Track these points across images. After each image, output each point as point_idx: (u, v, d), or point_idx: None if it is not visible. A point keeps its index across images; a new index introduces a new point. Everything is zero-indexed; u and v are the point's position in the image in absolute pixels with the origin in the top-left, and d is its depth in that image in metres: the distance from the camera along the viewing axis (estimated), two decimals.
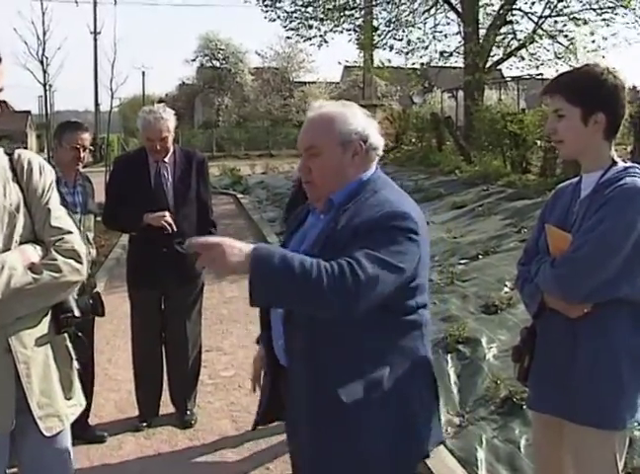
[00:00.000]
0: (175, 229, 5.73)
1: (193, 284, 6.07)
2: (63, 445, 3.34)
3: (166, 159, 5.88)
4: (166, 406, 6.20)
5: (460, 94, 28.23)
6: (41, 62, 27.65)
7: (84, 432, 5.60)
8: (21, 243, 3.09)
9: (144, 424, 6.03)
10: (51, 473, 3.34)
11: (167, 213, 5.73)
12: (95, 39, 50.41)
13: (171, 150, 5.90)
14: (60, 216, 3.25)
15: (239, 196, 22.61)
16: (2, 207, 3.06)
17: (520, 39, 26.82)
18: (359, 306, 2.58)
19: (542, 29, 26.21)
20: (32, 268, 3.03)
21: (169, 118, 5.77)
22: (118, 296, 8.10)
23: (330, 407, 2.80)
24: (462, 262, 10.03)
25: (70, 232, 3.23)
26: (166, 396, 6.19)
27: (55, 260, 3.10)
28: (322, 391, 2.81)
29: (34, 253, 3.09)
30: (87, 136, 5.63)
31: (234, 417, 6.11)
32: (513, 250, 9.99)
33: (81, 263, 3.20)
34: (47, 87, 29.22)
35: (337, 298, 2.53)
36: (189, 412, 6.12)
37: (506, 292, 8.23)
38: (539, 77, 26.57)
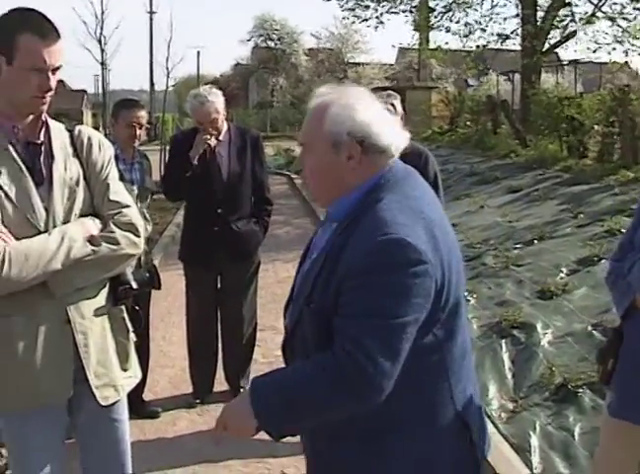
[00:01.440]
0: (214, 144, 5.81)
1: (248, 263, 6.08)
2: (119, 416, 3.39)
3: (220, 137, 5.90)
4: (220, 384, 6.25)
5: (516, 77, 27.93)
6: (99, 41, 27.90)
7: (139, 407, 5.67)
8: (80, 216, 3.15)
9: (198, 400, 6.08)
10: (107, 442, 3.38)
11: (207, 135, 5.77)
12: (151, 19, 50.75)
13: (225, 128, 5.92)
14: (119, 191, 3.30)
15: (293, 176, 22.66)
16: (63, 181, 3.12)
17: (578, 22, 26.40)
18: (383, 394, 2.26)
19: (602, 11, 25.73)
20: (91, 240, 3.09)
21: (215, 99, 5.77)
22: (173, 274, 8.15)
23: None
24: (517, 246, 9.93)
25: (128, 206, 3.28)
26: (220, 374, 6.24)
27: (114, 232, 3.16)
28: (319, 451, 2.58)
29: (93, 225, 3.15)
30: (143, 114, 5.68)
31: None
32: (569, 236, 9.90)
33: (138, 236, 3.25)
34: (105, 66, 29.49)
35: (358, 402, 2.28)
36: (242, 390, 6.15)
37: (561, 278, 8.15)
38: (597, 61, 26.17)
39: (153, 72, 52.50)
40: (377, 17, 30.16)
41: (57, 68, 3.00)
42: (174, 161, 6.03)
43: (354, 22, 32.51)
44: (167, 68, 23.53)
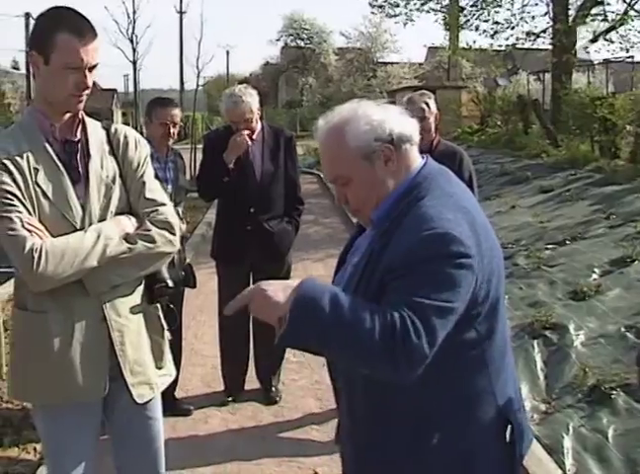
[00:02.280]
0: (249, 142, 5.80)
1: (280, 263, 6.07)
2: (154, 413, 3.40)
3: (253, 137, 5.89)
4: (252, 382, 6.26)
5: (547, 77, 27.73)
6: (131, 41, 28.04)
7: (171, 404, 5.68)
8: (116, 214, 3.16)
9: (230, 398, 6.10)
10: (141, 440, 3.40)
11: (243, 136, 5.77)
12: (180, 19, 50.67)
13: (258, 128, 5.92)
14: (155, 189, 3.30)
15: (322, 175, 22.66)
16: (99, 179, 3.13)
17: (610, 21, 26.13)
18: (412, 372, 2.17)
19: (634, 9, 25.45)
20: (127, 238, 3.10)
21: (250, 99, 5.75)
22: (204, 272, 8.15)
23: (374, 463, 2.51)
24: (549, 247, 9.87)
25: (164, 204, 3.28)
26: (251, 372, 6.25)
27: (149, 230, 3.16)
28: (364, 452, 2.52)
29: (128, 223, 3.16)
30: (177, 112, 5.69)
31: (318, 395, 6.13)
32: (601, 236, 9.84)
33: (174, 234, 3.24)
34: (138, 65, 29.61)
35: (388, 367, 2.17)
36: (274, 389, 6.17)
37: (594, 279, 8.09)
38: (630, 60, 25.90)
39: (183, 71, 52.66)
40: (407, 14, 30.15)
41: (94, 66, 3.02)
42: (208, 161, 6.03)
43: (382, 19, 32.55)
44: (197, 67, 23.67)
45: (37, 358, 3.11)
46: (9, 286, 9.03)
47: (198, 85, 25.01)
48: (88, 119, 3.21)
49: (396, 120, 2.43)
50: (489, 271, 2.35)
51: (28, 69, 44.86)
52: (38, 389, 3.18)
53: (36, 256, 2.88)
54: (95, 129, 3.22)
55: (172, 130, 5.59)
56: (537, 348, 6.60)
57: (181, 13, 49.98)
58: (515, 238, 10.70)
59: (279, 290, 2.27)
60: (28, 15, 42.39)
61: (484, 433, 2.42)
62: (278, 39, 63.63)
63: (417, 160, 2.49)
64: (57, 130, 3.10)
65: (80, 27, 2.96)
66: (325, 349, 2.28)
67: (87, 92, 3.04)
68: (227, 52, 74.28)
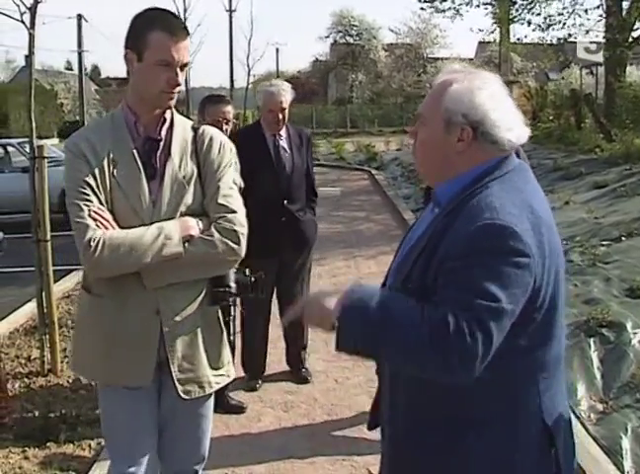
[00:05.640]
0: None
1: (307, 247, 6.35)
2: (200, 411, 3.44)
3: (281, 133, 6.16)
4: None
5: (600, 70, 27.36)
6: None
7: (224, 401, 5.69)
8: (189, 214, 3.20)
9: (257, 385, 6.32)
10: (184, 434, 3.46)
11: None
12: (230, 17, 50.97)
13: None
14: (229, 195, 3.29)
15: (373, 172, 22.64)
16: (174, 178, 3.19)
17: None
18: (468, 374, 2.11)
19: None
20: (189, 240, 3.14)
21: (288, 90, 6.10)
22: None
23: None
24: (604, 243, 9.72)
25: (234, 212, 3.26)
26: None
27: (212, 236, 3.18)
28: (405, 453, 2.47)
29: (194, 225, 3.18)
30: (229, 109, 5.71)
31: (372, 393, 6.04)
32: None
33: (238, 243, 3.24)
34: (189, 63, 29.91)
35: (443, 369, 2.13)
36: (304, 369, 6.49)
37: None
38: None
39: (233, 69, 52.91)
40: (455, 8, 29.94)
41: (185, 65, 3.13)
42: (242, 164, 6.06)
43: (431, 13, 32.30)
44: (248, 65, 23.82)
45: (90, 337, 3.29)
46: (62, 284, 9.19)
47: (248, 83, 25.19)
48: (178, 118, 3.30)
49: (498, 118, 2.33)
50: (548, 276, 2.24)
51: (80, 70, 45.54)
52: (87, 366, 3.41)
53: (93, 245, 3.00)
54: (182, 129, 3.30)
55: (224, 127, 5.59)
56: (593, 346, 6.48)
57: (230, 11, 50.31)
58: (569, 234, 10.53)
59: (329, 298, 2.28)
60: (80, 16, 42.93)
61: (526, 444, 2.32)
62: (327, 36, 63.82)
63: (495, 157, 2.36)
64: (142, 128, 3.21)
65: (172, 25, 3.08)
66: (376, 352, 2.26)
67: (178, 89, 3.15)
68: (277, 50, 74.52)
